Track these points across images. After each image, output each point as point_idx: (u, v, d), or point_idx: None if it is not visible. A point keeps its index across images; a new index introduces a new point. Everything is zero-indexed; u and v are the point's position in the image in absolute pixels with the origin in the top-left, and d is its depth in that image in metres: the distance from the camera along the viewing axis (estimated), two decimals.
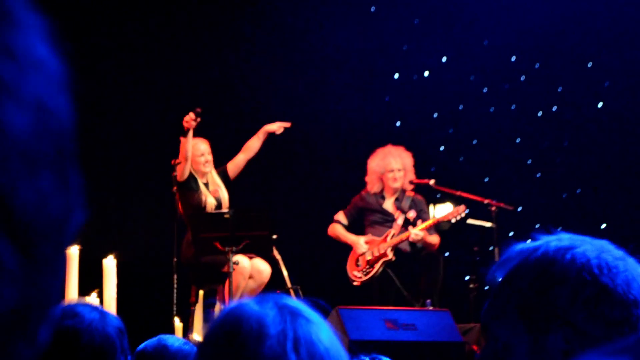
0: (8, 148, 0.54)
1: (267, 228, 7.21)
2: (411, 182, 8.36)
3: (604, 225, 9.91)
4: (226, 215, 7.26)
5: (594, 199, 10.15)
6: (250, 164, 8.51)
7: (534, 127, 10.51)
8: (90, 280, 5.77)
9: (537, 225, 9.89)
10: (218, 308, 7.49)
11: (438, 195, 8.92)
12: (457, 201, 8.56)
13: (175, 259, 7.61)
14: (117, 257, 5.92)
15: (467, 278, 8.91)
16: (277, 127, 8.14)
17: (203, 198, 7.82)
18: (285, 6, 10.20)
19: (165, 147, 8.68)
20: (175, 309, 7.47)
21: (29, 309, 0.56)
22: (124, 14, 9.70)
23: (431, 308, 7.44)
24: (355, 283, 8.10)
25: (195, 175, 7.89)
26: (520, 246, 1.44)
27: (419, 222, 8.07)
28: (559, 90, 10.51)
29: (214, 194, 7.91)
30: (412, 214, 8.12)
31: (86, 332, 2.13)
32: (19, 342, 0.56)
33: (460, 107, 10.57)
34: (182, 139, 7.79)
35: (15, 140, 0.54)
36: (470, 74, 10.54)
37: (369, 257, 8.06)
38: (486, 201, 8.42)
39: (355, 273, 8.12)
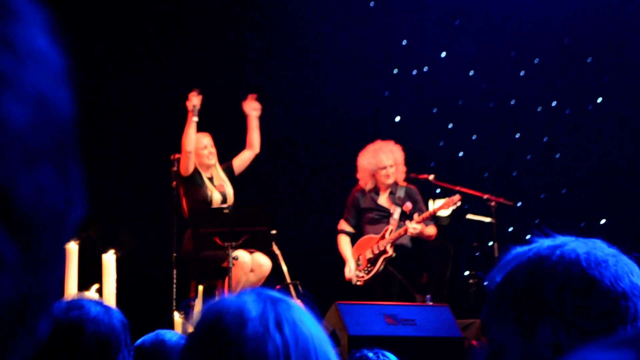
0: (8, 140, 0.54)
1: (266, 223, 7.21)
2: (411, 177, 8.35)
3: (603, 221, 9.91)
4: (225, 211, 7.26)
5: (594, 194, 10.15)
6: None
7: (534, 122, 10.51)
8: (90, 275, 5.77)
9: (537, 221, 9.91)
10: None
11: (438, 191, 8.92)
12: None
13: (174, 254, 7.62)
14: (117, 253, 5.92)
15: (466, 273, 8.92)
16: (248, 108, 8.17)
17: (209, 193, 7.82)
18: (285, 1, 10.19)
19: (165, 142, 8.69)
20: (174, 304, 7.48)
21: (29, 301, 0.56)
22: (125, 6, 9.69)
23: (431, 303, 7.44)
24: (358, 283, 8.09)
25: (200, 170, 7.90)
26: (517, 250, 1.47)
27: (416, 215, 8.04)
28: (559, 85, 10.51)
29: (220, 188, 7.91)
30: (408, 206, 8.10)
31: (92, 323, 2.16)
32: (19, 334, 0.56)
33: (460, 102, 10.57)
34: (185, 130, 7.79)
35: (15, 132, 0.54)
36: (470, 69, 10.54)
37: (369, 255, 8.05)
38: (485, 196, 8.42)
39: (357, 273, 8.10)
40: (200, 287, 7.68)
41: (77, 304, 2.21)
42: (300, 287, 7.50)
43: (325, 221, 8.89)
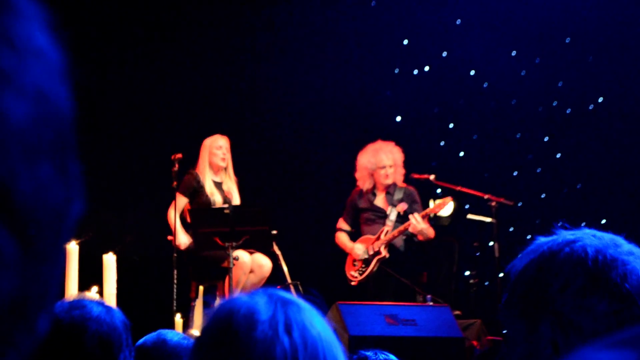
0: (7, 137, 0.53)
1: (266, 223, 7.21)
2: (411, 177, 8.36)
3: (604, 221, 9.91)
4: (226, 211, 7.26)
5: (595, 194, 10.15)
6: (251, 159, 8.52)
7: (535, 122, 10.50)
8: (90, 275, 5.77)
9: (537, 221, 9.90)
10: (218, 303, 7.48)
11: (438, 191, 8.92)
12: (457, 196, 8.56)
13: (175, 255, 7.62)
14: (117, 253, 5.92)
15: (467, 273, 8.92)
16: None
17: (210, 197, 7.82)
18: (286, 0, 10.19)
19: (166, 141, 8.69)
20: (175, 304, 7.48)
21: (28, 298, 0.55)
22: (125, 2, 9.69)
23: (431, 304, 7.45)
24: (352, 283, 8.09)
25: (210, 171, 7.88)
26: (538, 240, 1.46)
27: (415, 214, 8.03)
28: (560, 85, 10.51)
29: (227, 195, 7.89)
30: (403, 206, 8.09)
31: (94, 322, 2.16)
32: (18, 332, 0.56)
33: (461, 102, 10.57)
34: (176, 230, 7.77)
35: (14, 129, 0.54)
36: (471, 69, 10.54)
37: (364, 256, 8.06)
38: (486, 196, 8.42)
39: (352, 273, 8.11)
40: (201, 288, 7.69)
41: (79, 304, 2.22)
42: (300, 287, 7.50)
43: (326, 221, 8.88)
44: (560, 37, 10.38)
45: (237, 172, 8.14)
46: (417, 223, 7.87)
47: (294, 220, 9.61)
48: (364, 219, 8.26)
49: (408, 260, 8.08)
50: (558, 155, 10.50)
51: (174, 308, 7.43)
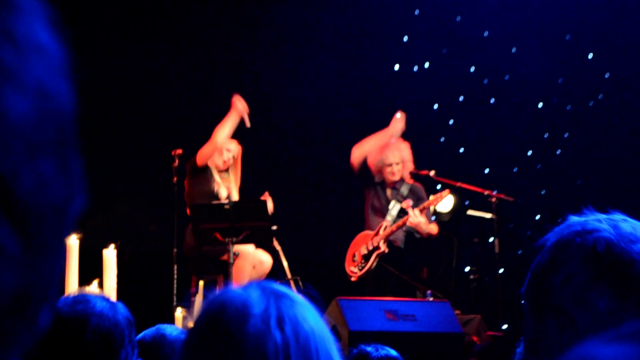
0: (9, 133, 0.54)
1: (266, 219, 7.21)
2: (411, 173, 8.34)
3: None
4: (226, 207, 7.26)
5: (594, 190, 10.15)
6: (251, 155, 8.51)
7: (534, 118, 10.50)
8: (91, 270, 5.77)
9: (537, 217, 9.91)
10: None
11: (438, 187, 8.92)
12: (457, 192, 8.56)
13: (175, 250, 7.61)
14: (118, 248, 5.92)
15: (467, 269, 8.92)
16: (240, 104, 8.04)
17: (215, 187, 7.78)
18: None
19: (166, 137, 8.68)
20: (175, 299, 7.48)
21: (29, 293, 0.56)
22: (126, 0, 9.69)
23: (431, 299, 7.45)
24: (352, 279, 8.07)
25: (211, 167, 7.86)
26: (570, 220, 1.44)
27: (409, 209, 8.01)
28: (560, 81, 10.50)
29: (229, 190, 7.87)
30: (408, 203, 8.04)
31: (96, 316, 2.16)
32: (20, 326, 0.56)
33: (461, 98, 10.56)
34: (223, 121, 7.74)
35: (16, 125, 0.54)
36: (471, 66, 10.53)
37: (364, 251, 8.04)
38: (486, 192, 8.41)
39: (352, 269, 8.09)
40: (201, 282, 7.68)
41: (83, 298, 2.22)
42: (300, 283, 7.50)
43: (326, 217, 8.88)
44: (561, 34, 10.37)
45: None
46: (415, 217, 7.84)
47: (294, 215, 9.61)
48: (371, 204, 8.19)
49: (408, 256, 8.07)
50: (558, 152, 10.50)
51: (174, 303, 7.43)
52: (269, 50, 10.11)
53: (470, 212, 8.65)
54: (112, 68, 9.41)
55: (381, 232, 8.01)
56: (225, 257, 7.27)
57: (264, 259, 7.71)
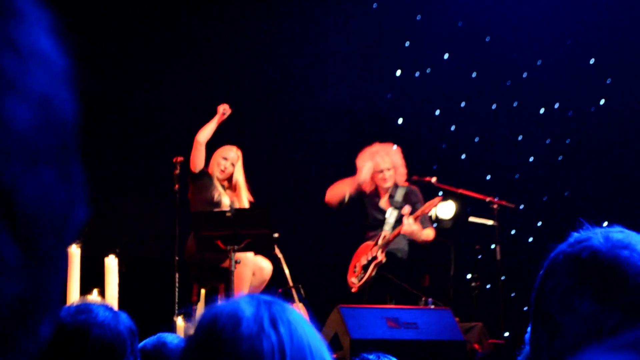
0: (10, 141, 0.53)
1: (268, 226, 7.21)
2: (413, 179, 8.32)
3: (605, 224, 9.90)
4: (228, 214, 7.25)
5: (596, 197, 10.15)
6: (253, 162, 8.50)
7: (536, 124, 10.50)
8: (92, 278, 5.77)
9: (539, 224, 9.90)
10: None
11: (440, 193, 8.91)
12: (459, 199, 8.55)
13: (177, 258, 7.61)
14: (119, 256, 5.92)
15: (469, 276, 8.91)
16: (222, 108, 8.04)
17: (216, 194, 7.77)
18: (288, 3, 10.19)
19: (167, 144, 8.68)
20: (177, 307, 7.47)
21: (31, 303, 0.55)
22: (128, 8, 9.69)
23: (432, 307, 7.43)
24: (352, 290, 8.05)
25: (212, 174, 7.84)
26: (570, 237, 1.47)
27: (404, 218, 7.96)
28: (561, 87, 10.51)
29: (231, 198, 7.85)
30: (406, 209, 7.98)
31: (98, 327, 2.16)
32: (21, 337, 0.55)
33: (462, 104, 10.57)
34: (207, 124, 7.76)
35: (17, 133, 0.54)
36: (472, 71, 10.54)
37: (363, 262, 8.01)
38: (488, 199, 8.41)
39: (352, 280, 8.06)
40: (203, 291, 7.68)
41: (86, 308, 2.21)
42: (302, 290, 7.50)
43: (328, 224, 8.88)
44: (562, 39, 10.38)
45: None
46: (408, 225, 7.80)
47: (295, 222, 9.61)
48: (371, 217, 8.16)
49: (410, 263, 8.05)
50: (560, 158, 10.50)
51: (176, 311, 7.42)
52: (268, 56, 10.12)
53: (471, 218, 8.64)
54: (114, 75, 9.42)
55: (379, 242, 7.97)
56: (226, 264, 7.26)
57: (264, 265, 7.71)
